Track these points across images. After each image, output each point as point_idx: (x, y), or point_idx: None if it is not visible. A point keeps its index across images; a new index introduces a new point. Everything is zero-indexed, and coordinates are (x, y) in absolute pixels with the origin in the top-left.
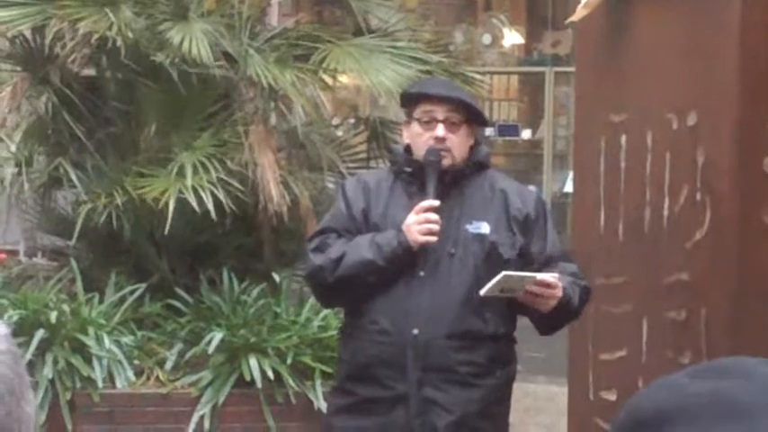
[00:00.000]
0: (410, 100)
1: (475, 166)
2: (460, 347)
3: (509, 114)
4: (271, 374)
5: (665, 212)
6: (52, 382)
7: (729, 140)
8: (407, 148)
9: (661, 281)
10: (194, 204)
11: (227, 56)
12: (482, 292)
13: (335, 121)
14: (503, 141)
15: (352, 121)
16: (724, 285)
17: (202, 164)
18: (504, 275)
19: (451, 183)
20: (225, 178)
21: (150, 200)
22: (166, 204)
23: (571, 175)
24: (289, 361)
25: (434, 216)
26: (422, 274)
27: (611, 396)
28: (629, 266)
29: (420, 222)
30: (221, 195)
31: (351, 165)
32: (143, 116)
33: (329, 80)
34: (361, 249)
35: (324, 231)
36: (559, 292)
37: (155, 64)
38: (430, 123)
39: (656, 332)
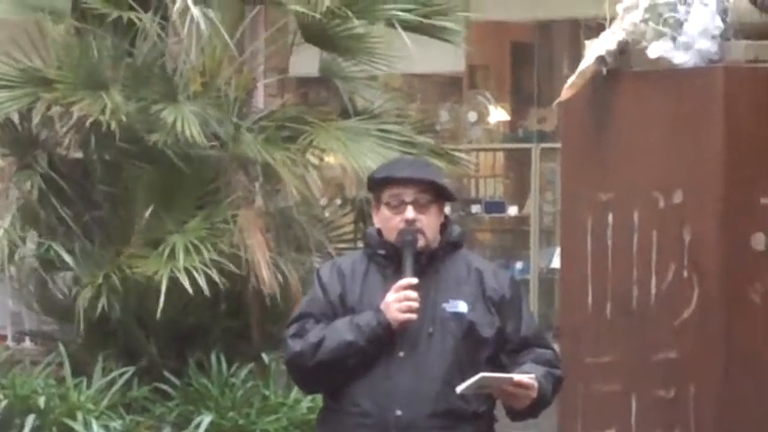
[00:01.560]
0: (377, 184)
1: (449, 246)
2: (443, 426)
3: (495, 191)
4: None
5: (653, 290)
6: None
7: (716, 218)
8: (380, 231)
9: (649, 359)
10: (187, 286)
11: (215, 137)
12: (459, 389)
13: (323, 202)
14: (489, 218)
15: (338, 201)
16: (712, 363)
17: (195, 246)
18: (482, 377)
19: (426, 263)
20: (218, 259)
21: (142, 279)
22: (156, 286)
23: (558, 250)
24: None
25: (413, 294)
26: (401, 354)
27: None
28: (618, 344)
29: (399, 300)
30: (216, 276)
31: (338, 245)
32: (131, 198)
33: (315, 161)
34: (340, 332)
35: (301, 317)
36: (534, 393)
37: (147, 145)
38: (399, 207)
39: (644, 410)
